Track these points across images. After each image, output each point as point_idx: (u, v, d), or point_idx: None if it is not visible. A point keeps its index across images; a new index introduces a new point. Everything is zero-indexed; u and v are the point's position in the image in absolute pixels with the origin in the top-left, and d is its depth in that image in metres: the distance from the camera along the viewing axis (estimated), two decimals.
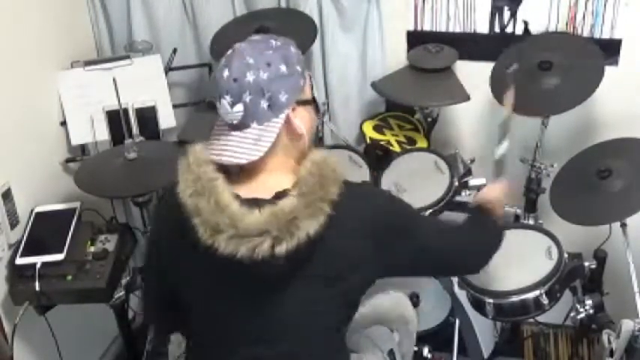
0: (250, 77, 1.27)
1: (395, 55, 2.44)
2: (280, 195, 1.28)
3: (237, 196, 1.28)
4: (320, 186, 1.27)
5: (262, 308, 1.35)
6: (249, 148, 1.29)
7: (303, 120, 1.35)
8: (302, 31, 2.32)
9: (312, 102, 1.39)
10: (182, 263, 1.39)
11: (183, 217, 1.27)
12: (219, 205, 1.25)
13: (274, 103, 1.29)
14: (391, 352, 1.77)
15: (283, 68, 1.29)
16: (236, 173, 1.34)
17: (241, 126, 1.29)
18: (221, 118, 1.33)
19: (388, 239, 1.36)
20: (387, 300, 1.89)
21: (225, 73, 1.29)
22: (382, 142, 2.37)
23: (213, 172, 1.28)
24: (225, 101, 1.29)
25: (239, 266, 1.24)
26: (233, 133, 1.30)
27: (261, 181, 1.33)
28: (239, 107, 1.28)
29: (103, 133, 2.38)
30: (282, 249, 1.23)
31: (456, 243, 1.54)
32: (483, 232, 1.61)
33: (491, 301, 1.87)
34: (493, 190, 1.71)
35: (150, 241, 1.61)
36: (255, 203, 1.27)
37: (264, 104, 1.28)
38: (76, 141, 2.40)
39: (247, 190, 1.31)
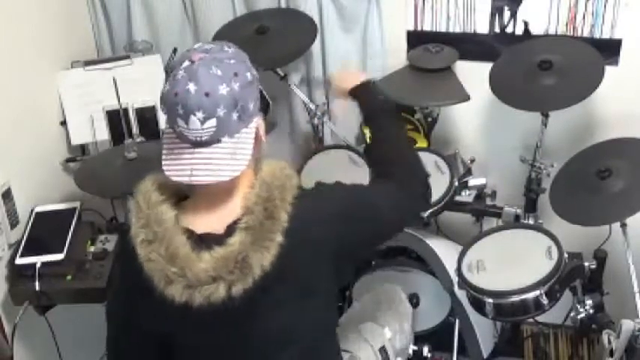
0: (224, 90, 1.18)
1: (395, 55, 2.44)
2: (231, 229, 1.23)
3: (191, 234, 1.24)
4: (267, 215, 1.22)
5: (235, 345, 1.34)
6: (227, 163, 1.21)
7: (261, 127, 1.30)
8: (302, 31, 2.32)
9: (263, 105, 1.36)
10: (148, 309, 1.32)
11: (139, 267, 1.24)
12: (168, 252, 1.21)
13: (245, 113, 1.22)
14: (382, 349, 1.77)
15: (248, 75, 1.23)
16: (189, 196, 1.29)
17: (210, 142, 1.21)
18: (172, 135, 1.24)
19: (350, 233, 1.33)
20: (382, 294, 1.89)
21: (192, 87, 1.18)
22: None
23: (165, 212, 1.23)
24: (196, 117, 1.18)
25: (197, 310, 1.21)
26: (198, 150, 1.21)
27: (217, 207, 1.27)
28: (212, 122, 1.19)
29: (103, 133, 2.37)
30: (238, 290, 1.20)
31: (395, 193, 1.46)
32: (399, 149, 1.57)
33: (491, 301, 1.87)
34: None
35: (117, 290, 1.52)
36: (207, 242, 1.23)
37: (234, 116, 1.21)
38: (76, 141, 2.40)
39: (202, 220, 1.27)
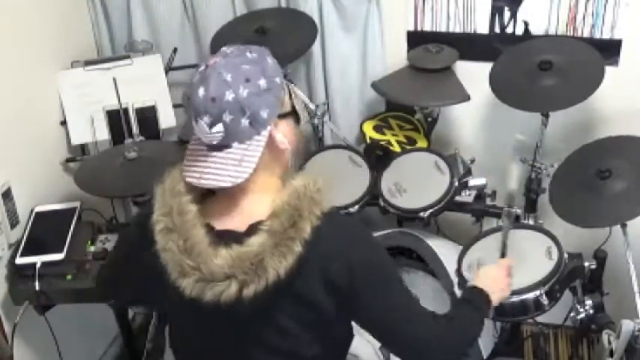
0: (229, 96, 1.18)
1: (395, 55, 2.44)
2: (253, 229, 1.23)
3: (211, 229, 1.24)
4: (291, 223, 1.21)
5: (233, 346, 1.33)
6: (232, 170, 1.21)
7: (285, 134, 1.28)
8: (302, 31, 2.32)
9: (293, 113, 1.32)
10: (157, 289, 1.33)
11: (156, 253, 1.25)
12: (187, 245, 1.21)
13: (255, 120, 1.21)
14: (382, 348, 1.77)
15: (262, 83, 1.22)
16: (211, 196, 1.29)
17: (222, 146, 1.22)
18: (196, 137, 1.26)
19: (355, 291, 1.28)
20: None
21: (201, 91, 1.20)
22: (382, 142, 2.36)
23: (187, 204, 1.24)
24: (203, 122, 1.20)
25: (205, 307, 1.21)
26: (213, 153, 1.23)
27: (239, 205, 1.27)
28: (219, 127, 1.20)
29: (103, 133, 2.38)
30: (249, 292, 1.19)
31: (421, 325, 1.37)
32: (457, 330, 1.44)
33: None
34: (491, 273, 1.64)
35: (120, 255, 1.53)
36: (225, 239, 1.23)
37: (245, 122, 1.20)
38: (76, 141, 2.40)
39: (223, 218, 1.27)
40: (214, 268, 1.19)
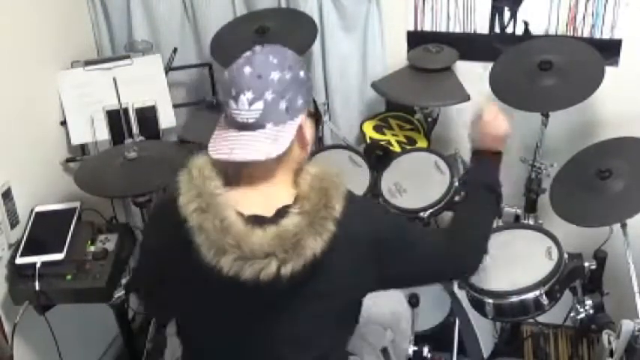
0: (275, 76, 1.25)
1: (395, 55, 2.44)
2: (282, 212, 1.26)
3: (240, 214, 1.26)
4: (323, 203, 1.25)
5: (264, 326, 1.34)
6: (267, 145, 1.25)
7: (308, 131, 1.35)
8: (302, 31, 2.32)
9: (314, 116, 1.39)
10: (182, 278, 1.36)
11: (185, 233, 1.24)
12: (223, 225, 1.22)
13: (292, 106, 1.27)
14: (385, 351, 1.77)
15: (302, 74, 1.29)
16: (236, 182, 1.31)
17: (255, 126, 1.26)
18: (226, 119, 1.29)
19: (386, 256, 1.36)
20: (381, 295, 1.89)
21: (247, 69, 1.26)
22: (382, 142, 2.37)
23: (217, 188, 1.26)
24: (245, 97, 1.24)
25: (241, 286, 1.22)
26: (245, 133, 1.26)
27: (262, 194, 1.31)
28: (259, 105, 1.25)
29: (103, 133, 2.38)
30: (287, 270, 1.21)
31: (449, 247, 1.52)
32: (477, 223, 1.58)
33: (491, 301, 1.87)
34: (490, 125, 1.64)
35: (146, 250, 1.55)
36: (257, 222, 1.25)
37: (282, 105, 1.26)
38: (76, 141, 2.40)
39: (249, 206, 1.28)
40: (254, 247, 1.21)
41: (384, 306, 1.86)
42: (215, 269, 1.22)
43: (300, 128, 1.30)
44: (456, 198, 2.16)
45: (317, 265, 1.23)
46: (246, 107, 1.25)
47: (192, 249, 1.24)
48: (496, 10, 2.31)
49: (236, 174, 1.32)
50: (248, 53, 1.29)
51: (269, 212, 1.28)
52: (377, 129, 2.45)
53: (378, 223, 1.39)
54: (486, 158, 1.64)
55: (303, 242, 1.21)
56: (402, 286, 1.55)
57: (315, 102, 1.42)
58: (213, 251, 1.22)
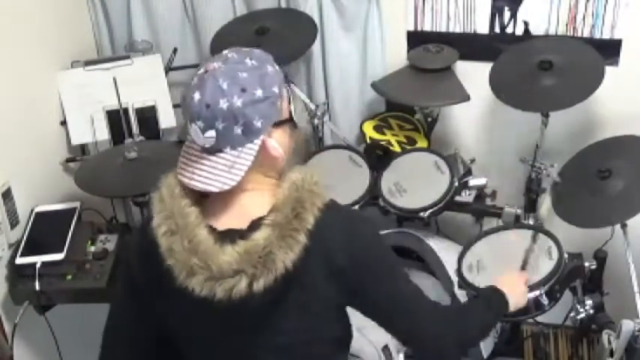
0: (224, 104, 1.19)
1: (395, 55, 2.44)
2: (255, 225, 1.24)
3: (213, 230, 1.24)
4: (295, 214, 1.22)
5: (245, 339, 1.33)
6: (222, 175, 1.22)
7: (279, 142, 1.28)
8: (302, 31, 2.32)
9: (289, 120, 1.31)
10: (164, 301, 1.34)
11: (159, 256, 1.24)
12: (192, 245, 1.21)
13: (248, 129, 1.21)
14: (385, 348, 1.77)
15: (259, 92, 1.21)
16: (208, 195, 1.29)
17: (214, 150, 1.22)
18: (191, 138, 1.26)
19: (357, 278, 1.30)
20: None
21: (197, 96, 1.20)
22: (382, 142, 2.37)
23: (188, 207, 1.24)
24: (197, 126, 1.21)
25: (217, 304, 1.21)
26: (205, 156, 1.23)
27: (237, 204, 1.28)
28: (211, 133, 1.21)
29: (103, 133, 2.38)
30: (259, 285, 1.19)
31: (422, 314, 1.39)
32: (468, 317, 1.49)
33: None
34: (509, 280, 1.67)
35: (126, 277, 1.46)
36: (229, 236, 1.23)
37: (237, 130, 1.21)
38: (76, 141, 2.40)
39: (223, 218, 1.27)
40: (223, 265, 1.19)
41: None
42: (187, 293, 1.21)
43: (264, 148, 1.25)
44: (456, 198, 2.16)
45: (290, 278, 1.21)
46: (200, 135, 1.22)
47: (167, 273, 1.23)
48: (496, 10, 2.31)
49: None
50: (201, 71, 1.23)
51: (244, 224, 1.26)
52: (377, 129, 2.45)
53: (355, 237, 1.31)
54: (497, 295, 1.59)
55: (273, 256, 1.19)
56: (368, 314, 1.40)
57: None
58: (183, 274, 1.21)
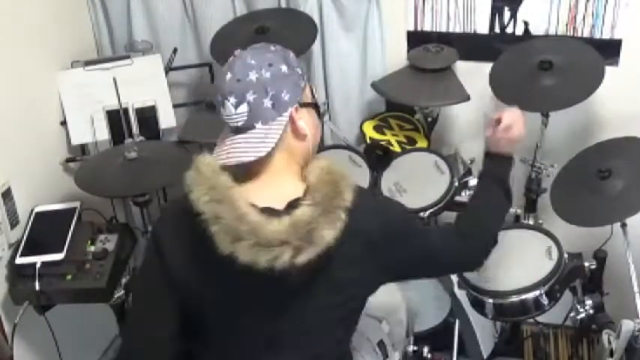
0: (253, 76, 1.27)
1: (395, 55, 2.44)
2: (293, 205, 1.27)
3: (254, 206, 1.27)
4: (334, 193, 1.27)
5: (277, 315, 1.35)
6: (255, 146, 1.29)
7: (306, 122, 1.35)
8: (302, 31, 2.32)
9: (314, 106, 1.39)
10: (195, 273, 1.35)
11: (196, 227, 1.24)
12: (237, 214, 1.23)
13: (277, 102, 1.29)
14: (381, 343, 1.77)
15: (284, 68, 1.30)
16: (244, 178, 1.32)
17: (246, 128, 1.29)
18: (225, 123, 1.32)
19: (394, 243, 1.37)
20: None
21: (228, 75, 1.29)
22: (382, 142, 2.37)
23: (229, 182, 1.27)
24: (229, 102, 1.28)
25: (255, 274, 1.22)
26: (238, 135, 1.30)
27: (272, 187, 1.32)
28: (243, 107, 1.28)
29: (103, 133, 2.38)
30: (302, 259, 1.22)
31: (459, 237, 1.54)
32: (486, 221, 1.60)
33: (491, 301, 1.87)
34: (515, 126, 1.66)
35: (155, 262, 1.41)
36: (271, 212, 1.26)
37: (267, 103, 1.28)
38: (76, 141, 2.40)
39: (260, 199, 1.29)
40: (269, 234, 1.22)
41: (377, 298, 1.85)
42: (229, 258, 1.22)
43: (292, 121, 1.32)
44: (456, 198, 2.16)
45: (330, 255, 1.25)
46: (232, 111, 1.28)
47: (206, 242, 1.23)
48: (496, 10, 2.31)
49: (241, 171, 1.33)
50: (231, 58, 1.32)
51: (280, 205, 1.29)
52: (377, 129, 2.45)
53: (386, 213, 1.41)
54: (499, 158, 1.65)
55: (317, 232, 1.23)
56: (409, 276, 1.55)
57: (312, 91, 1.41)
58: (229, 239, 1.22)
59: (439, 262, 1.52)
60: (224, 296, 1.36)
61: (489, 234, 1.59)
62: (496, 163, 1.65)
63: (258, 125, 1.29)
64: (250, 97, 1.27)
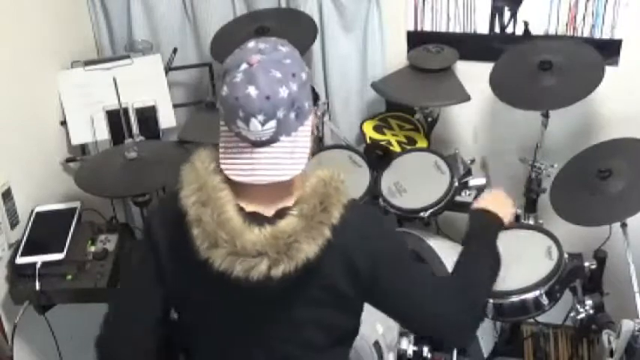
0: (284, 93, 1.20)
1: (395, 55, 2.44)
2: (281, 213, 1.26)
3: (241, 209, 1.26)
4: (322, 208, 1.24)
5: (254, 323, 1.34)
6: (286, 162, 1.24)
7: (314, 121, 1.32)
8: (302, 31, 2.32)
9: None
10: (180, 269, 1.35)
11: (184, 225, 1.25)
12: (220, 219, 1.22)
13: (301, 113, 1.24)
14: (376, 344, 1.77)
15: (304, 75, 1.25)
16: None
17: (270, 142, 1.23)
18: (233, 134, 1.25)
19: (374, 274, 1.32)
20: None
21: (253, 91, 1.19)
22: (382, 142, 2.37)
23: (220, 182, 1.25)
24: (257, 120, 1.20)
25: (233, 281, 1.21)
26: (259, 149, 1.23)
27: (264, 190, 1.27)
28: (271, 124, 1.21)
29: (103, 133, 2.38)
30: (278, 271, 1.20)
31: (442, 301, 1.42)
32: (474, 286, 1.51)
33: (491, 301, 1.87)
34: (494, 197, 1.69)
35: (145, 248, 1.43)
36: (256, 219, 1.24)
37: (292, 115, 1.22)
38: (76, 141, 2.40)
39: (250, 202, 1.28)
40: (247, 244, 1.20)
41: None
42: (207, 263, 1.22)
43: (312, 127, 1.29)
44: (457, 198, 2.16)
45: (309, 269, 1.22)
46: (259, 129, 1.21)
47: (190, 242, 1.24)
48: (496, 10, 2.31)
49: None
50: (244, 66, 1.21)
51: (269, 211, 1.28)
52: (377, 129, 2.45)
53: (377, 238, 1.35)
54: (488, 219, 1.63)
55: (297, 245, 1.20)
56: (387, 310, 1.43)
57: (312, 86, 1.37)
58: (206, 244, 1.22)
59: (420, 306, 1.41)
60: (204, 297, 1.36)
61: (482, 304, 1.54)
62: (485, 225, 1.62)
63: (282, 137, 1.23)
64: (280, 113, 1.20)
